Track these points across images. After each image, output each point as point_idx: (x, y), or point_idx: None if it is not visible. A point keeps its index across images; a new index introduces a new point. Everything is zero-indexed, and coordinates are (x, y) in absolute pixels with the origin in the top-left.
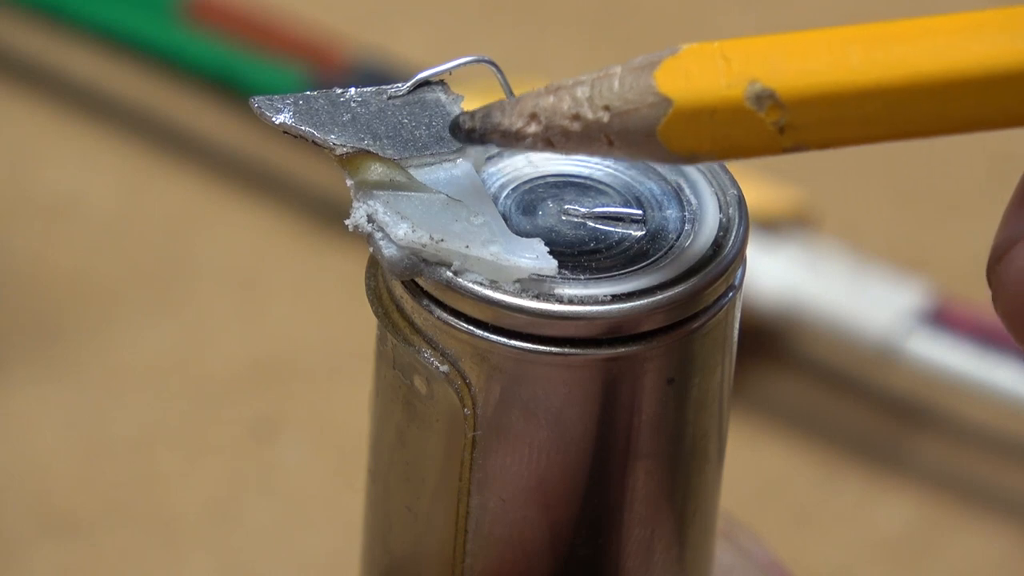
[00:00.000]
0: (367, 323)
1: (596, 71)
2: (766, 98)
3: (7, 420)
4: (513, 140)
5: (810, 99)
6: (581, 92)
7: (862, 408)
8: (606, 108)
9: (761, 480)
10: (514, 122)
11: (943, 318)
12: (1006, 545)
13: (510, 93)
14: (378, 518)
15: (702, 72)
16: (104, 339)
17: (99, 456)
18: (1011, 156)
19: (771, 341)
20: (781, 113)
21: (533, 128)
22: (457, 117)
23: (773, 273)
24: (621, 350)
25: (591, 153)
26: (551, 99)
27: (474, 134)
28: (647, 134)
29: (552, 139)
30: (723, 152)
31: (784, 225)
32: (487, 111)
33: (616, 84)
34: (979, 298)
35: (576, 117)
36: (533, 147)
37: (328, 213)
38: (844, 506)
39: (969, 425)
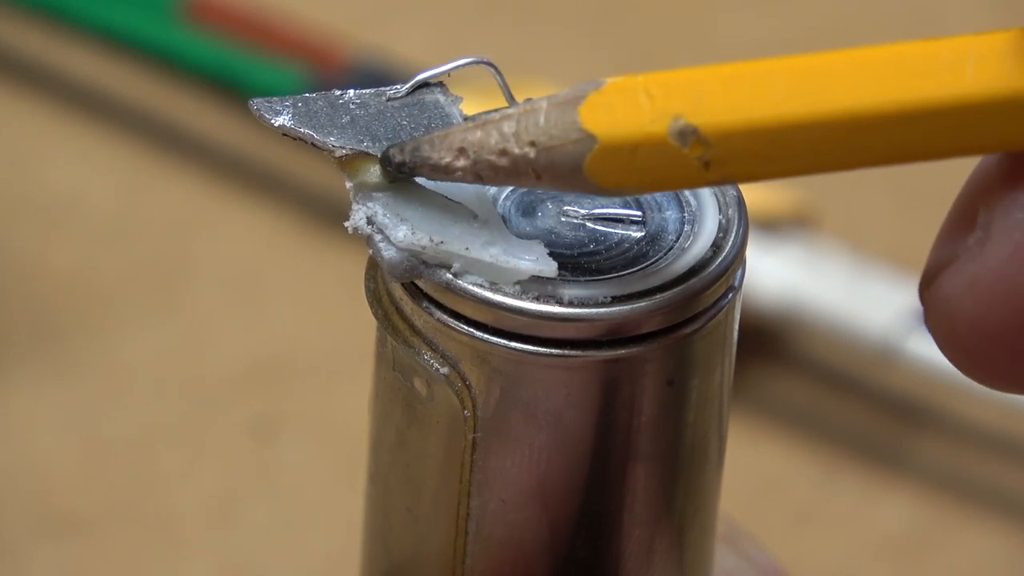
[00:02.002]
0: (367, 324)
1: (521, 104)
2: (689, 134)
3: (7, 420)
4: (442, 173)
5: (733, 134)
6: (508, 127)
7: (862, 408)
8: (532, 144)
9: (761, 480)
10: (443, 156)
11: None
12: (1006, 545)
13: (509, 95)
14: (378, 519)
15: (625, 108)
16: (104, 339)
17: (99, 456)
18: None
19: (771, 341)
20: (705, 149)
21: (462, 162)
22: (387, 150)
23: (773, 273)
24: (621, 352)
25: (520, 185)
26: (479, 134)
27: (404, 167)
28: (573, 169)
29: (481, 173)
30: (650, 185)
31: (784, 225)
32: (416, 145)
33: (541, 119)
34: None
35: (503, 152)
36: (463, 180)
37: (328, 213)
38: (844, 506)
39: (969, 425)
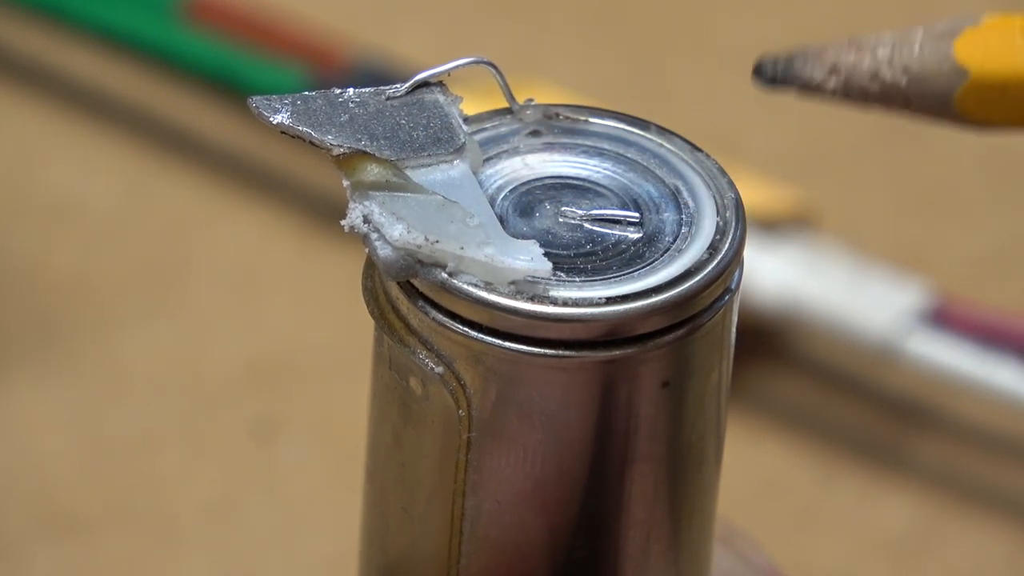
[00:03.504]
0: (367, 323)
1: (896, 32)
2: None
3: (7, 420)
4: (812, 91)
5: None
6: (882, 53)
7: (862, 408)
8: (905, 71)
9: (761, 480)
10: (815, 74)
11: (943, 318)
12: (1006, 545)
13: (509, 94)
14: (375, 519)
15: (1000, 45)
16: (104, 339)
17: (99, 456)
18: (1011, 156)
19: (771, 341)
20: None
21: (833, 82)
22: (761, 61)
23: (773, 273)
24: (616, 353)
25: (885, 111)
26: (852, 56)
27: (776, 80)
28: (943, 101)
29: (850, 94)
30: (1016, 123)
31: (784, 225)
32: (790, 59)
33: (916, 48)
34: (979, 298)
35: (875, 76)
36: (830, 99)
37: (328, 213)
38: (844, 506)
39: (969, 425)
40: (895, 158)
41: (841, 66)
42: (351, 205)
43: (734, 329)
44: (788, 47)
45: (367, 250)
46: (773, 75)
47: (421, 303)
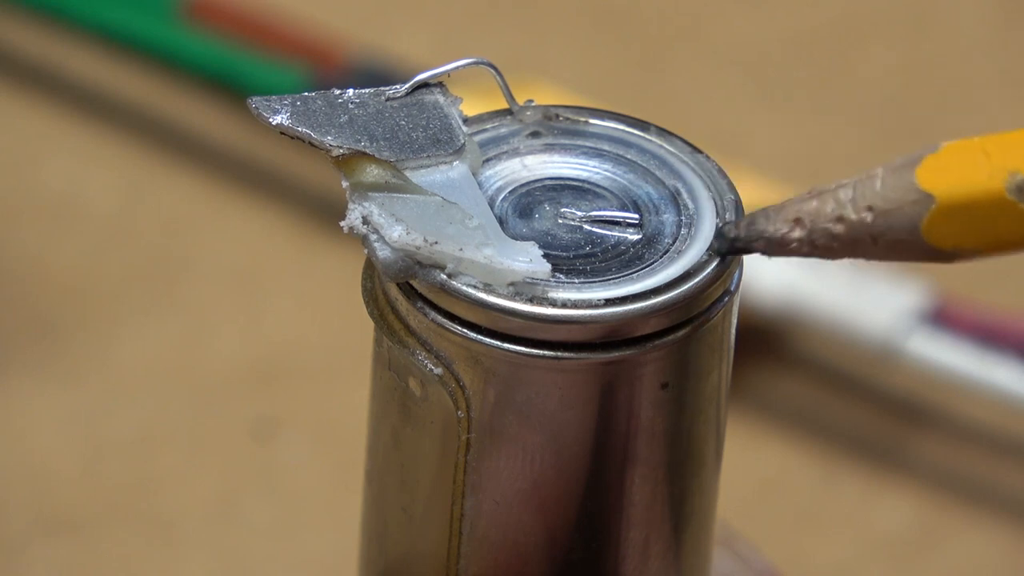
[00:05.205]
0: (367, 323)
1: (857, 175)
2: None
3: (7, 420)
4: (777, 246)
5: None
6: (844, 194)
7: (862, 408)
8: (869, 208)
9: (761, 480)
10: (779, 228)
11: (943, 318)
12: (1006, 545)
13: (509, 95)
14: (374, 519)
15: (962, 167)
16: (104, 339)
17: (99, 456)
18: None
19: (771, 341)
20: None
21: (797, 233)
22: (721, 227)
23: (773, 273)
24: (615, 354)
25: (854, 256)
26: (814, 203)
27: (738, 242)
28: (910, 231)
29: (816, 243)
30: (988, 247)
31: None
32: (751, 220)
33: (878, 184)
34: (979, 298)
35: (840, 219)
36: (798, 252)
37: (328, 213)
38: (844, 506)
39: (969, 425)
40: (895, 158)
41: (804, 215)
42: (350, 206)
43: (734, 330)
44: (747, 211)
45: (366, 251)
46: (735, 238)
47: (420, 304)
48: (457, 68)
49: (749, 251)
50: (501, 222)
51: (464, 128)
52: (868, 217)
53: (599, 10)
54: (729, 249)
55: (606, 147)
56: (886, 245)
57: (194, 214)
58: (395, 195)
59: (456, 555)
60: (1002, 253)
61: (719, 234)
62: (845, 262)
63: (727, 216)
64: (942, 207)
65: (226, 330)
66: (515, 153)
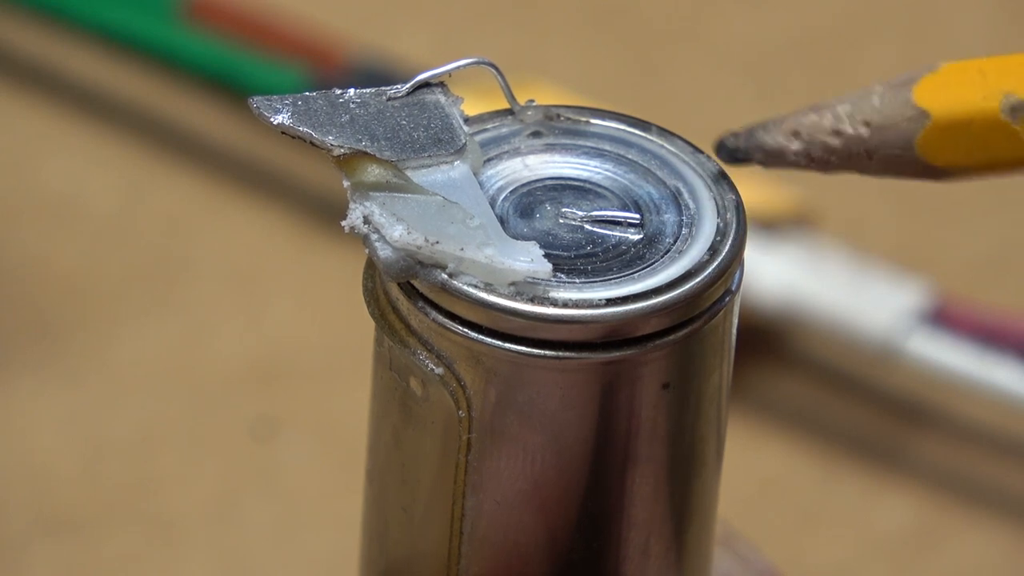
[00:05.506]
0: (367, 323)
1: (857, 90)
2: (1020, 109)
3: (7, 420)
4: (775, 158)
5: None
6: (842, 109)
7: (862, 408)
8: (866, 123)
9: (761, 480)
10: (777, 140)
11: (943, 318)
12: (1006, 545)
13: (510, 95)
14: (375, 519)
15: (959, 87)
16: (104, 339)
17: (99, 456)
18: None
19: (771, 341)
20: None
21: (796, 146)
22: (722, 138)
23: (773, 273)
24: (616, 354)
25: (851, 170)
26: (813, 116)
27: (738, 152)
28: (905, 148)
29: (813, 155)
30: (979, 166)
31: (784, 225)
32: (751, 131)
33: (876, 100)
34: (979, 298)
35: (837, 133)
36: (795, 165)
37: (328, 213)
38: (844, 506)
39: (969, 425)
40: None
41: (802, 128)
42: (351, 206)
43: (735, 330)
44: (749, 121)
45: (367, 251)
46: (735, 148)
47: (421, 304)
48: (458, 68)
49: (748, 162)
50: (502, 222)
51: (465, 128)
52: (865, 132)
53: (599, 10)
54: (729, 158)
55: (607, 147)
56: (881, 160)
57: (194, 214)
58: (396, 195)
59: (457, 555)
60: (993, 173)
61: (720, 145)
62: (842, 262)
63: (728, 216)
64: (937, 124)
65: (226, 330)
66: (516, 153)
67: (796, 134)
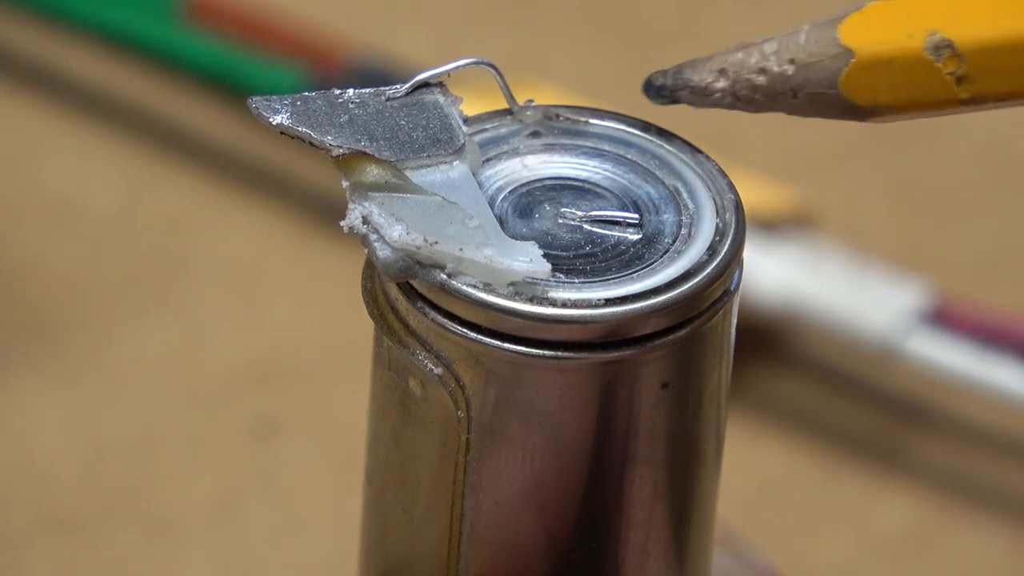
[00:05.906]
0: (367, 323)
1: (786, 30)
2: (944, 48)
3: (7, 420)
4: (702, 96)
5: (987, 49)
6: (768, 47)
7: (862, 408)
8: (791, 61)
9: (761, 480)
10: (703, 78)
11: (943, 318)
12: (1006, 545)
13: (510, 95)
14: (374, 519)
15: (884, 24)
16: (104, 339)
17: (99, 456)
18: (1011, 156)
19: (771, 341)
20: (958, 64)
21: (722, 83)
22: (649, 76)
23: (773, 273)
24: (615, 354)
25: (777, 109)
26: (739, 55)
27: (665, 90)
28: (829, 85)
29: (739, 93)
30: (903, 104)
31: (784, 225)
32: (678, 69)
33: (802, 38)
34: (979, 298)
35: (762, 71)
36: (721, 103)
37: (328, 213)
38: (844, 506)
39: (969, 425)
40: (895, 158)
41: (728, 66)
42: (350, 206)
43: (734, 330)
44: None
45: (366, 251)
46: (662, 86)
47: (420, 304)
48: (457, 68)
49: (676, 101)
50: (501, 222)
51: (464, 128)
52: (789, 69)
53: (599, 10)
54: (656, 96)
55: (606, 147)
56: (806, 98)
57: (194, 214)
58: (395, 195)
59: (456, 555)
60: (917, 113)
61: (648, 84)
62: (842, 262)
63: (727, 216)
64: (861, 62)
65: (226, 330)
66: (515, 153)
67: (722, 72)
